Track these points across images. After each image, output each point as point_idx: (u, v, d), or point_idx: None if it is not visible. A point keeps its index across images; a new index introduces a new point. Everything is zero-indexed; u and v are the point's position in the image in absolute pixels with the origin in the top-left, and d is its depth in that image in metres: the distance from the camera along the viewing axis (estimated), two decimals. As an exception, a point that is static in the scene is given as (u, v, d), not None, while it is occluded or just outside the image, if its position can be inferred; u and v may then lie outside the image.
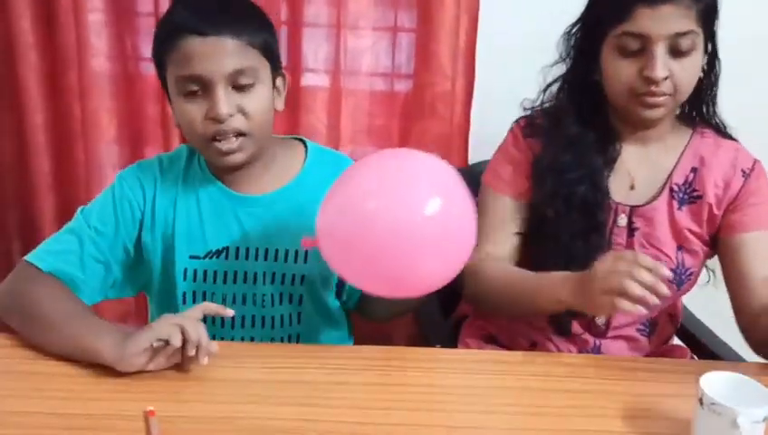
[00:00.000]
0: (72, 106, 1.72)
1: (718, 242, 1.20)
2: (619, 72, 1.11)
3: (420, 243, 0.88)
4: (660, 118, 1.15)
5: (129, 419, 0.87)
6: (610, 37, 1.11)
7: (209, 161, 1.14)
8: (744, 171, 1.19)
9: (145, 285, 1.21)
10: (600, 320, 1.23)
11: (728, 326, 1.35)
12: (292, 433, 0.87)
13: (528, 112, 1.27)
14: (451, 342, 1.35)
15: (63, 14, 1.65)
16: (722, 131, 1.22)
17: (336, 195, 0.93)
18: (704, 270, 1.25)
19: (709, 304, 1.29)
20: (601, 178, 1.18)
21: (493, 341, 1.30)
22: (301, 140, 1.23)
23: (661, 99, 1.10)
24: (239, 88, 1.04)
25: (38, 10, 1.66)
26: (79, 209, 1.15)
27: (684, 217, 1.19)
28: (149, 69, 1.73)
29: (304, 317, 1.20)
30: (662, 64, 1.07)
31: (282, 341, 1.20)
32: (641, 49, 1.08)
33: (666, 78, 1.08)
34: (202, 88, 1.03)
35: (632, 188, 1.20)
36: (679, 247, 1.20)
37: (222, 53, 1.01)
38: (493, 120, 1.74)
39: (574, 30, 1.20)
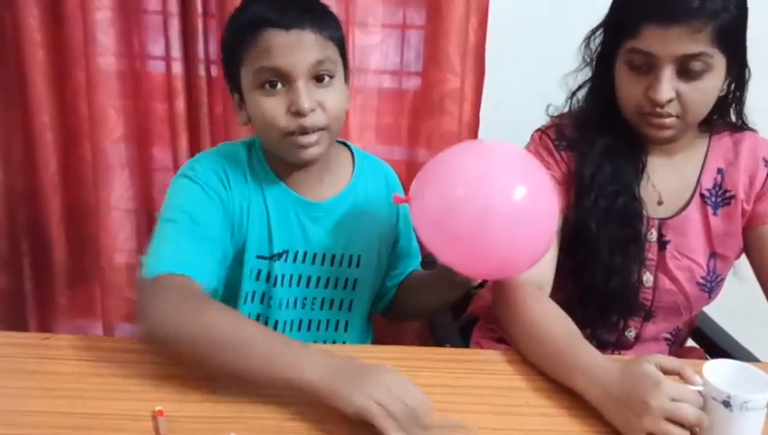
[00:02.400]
0: (79, 104, 1.72)
1: (745, 234, 1.18)
2: (627, 87, 1.08)
3: (506, 225, 0.93)
4: (669, 138, 1.11)
5: (138, 419, 0.87)
6: (622, 50, 1.08)
7: (281, 156, 1.09)
8: (765, 160, 1.16)
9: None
10: (631, 333, 1.22)
11: (742, 326, 1.34)
12: (303, 433, 0.86)
13: (552, 120, 1.22)
14: (461, 343, 1.34)
15: (71, 12, 1.64)
16: (736, 126, 1.19)
17: (429, 181, 0.98)
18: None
19: (722, 302, 1.27)
20: (637, 188, 1.15)
21: (505, 343, 1.28)
22: (345, 143, 1.23)
23: (667, 120, 1.06)
24: (319, 80, 1.03)
25: (45, 8, 1.65)
26: (159, 218, 1.06)
27: (720, 222, 1.17)
28: (157, 67, 1.73)
29: (351, 323, 1.21)
30: (667, 87, 1.03)
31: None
32: (650, 66, 1.04)
33: (671, 100, 1.04)
34: (282, 81, 1.02)
35: (660, 203, 1.17)
36: (712, 254, 1.18)
37: (305, 46, 1.01)
38: (502, 118, 1.74)
39: (595, 35, 1.16)
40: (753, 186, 1.16)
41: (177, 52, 1.66)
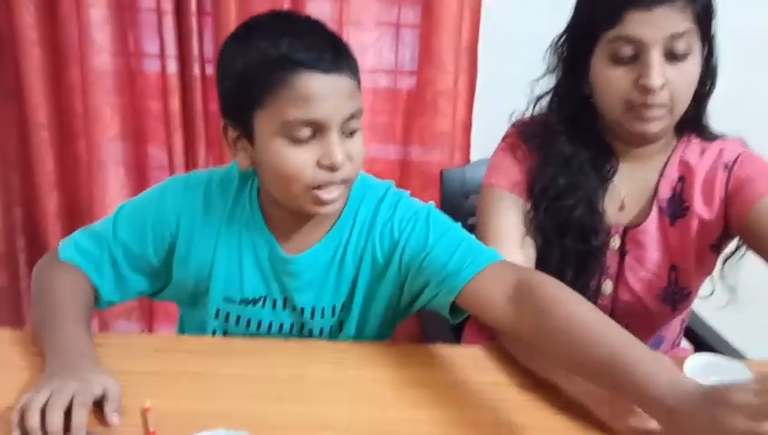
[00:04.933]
0: (74, 102, 1.73)
1: (738, 227, 1.11)
2: (612, 81, 1.04)
3: None
4: (657, 133, 1.07)
5: (127, 414, 0.87)
6: (602, 43, 1.03)
7: (290, 207, 0.99)
8: (726, 165, 1.12)
9: (165, 291, 1.13)
10: None
11: (733, 324, 1.35)
12: (291, 429, 0.87)
13: (521, 120, 1.20)
14: (452, 339, 1.34)
15: (66, 10, 1.66)
16: (708, 134, 1.15)
17: None
18: (707, 282, 1.19)
19: (713, 300, 1.28)
20: (597, 200, 1.11)
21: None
22: None
23: (657, 112, 1.03)
24: (349, 133, 0.95)
25: (41, 6, 1.67)
26: (119, 207, 1.08)
27: (676, 234, 1.13)
28: (152, 65, 1.74)
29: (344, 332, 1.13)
30: (659, 71, 1.00)
31: None
32: (635, 55, 1.01)
33: (662, 86, 1.01)
34: (315, 132, 0.92)
35: (621, 208, 1.14)
36: (673, 267, 1.14)
37: (343, 95, 0.92)
38: (495, 117, 1.74)
39: (562, 40, 1.13)
40: (713, 193, 1.12)
41: (171, 50, 1.68)
